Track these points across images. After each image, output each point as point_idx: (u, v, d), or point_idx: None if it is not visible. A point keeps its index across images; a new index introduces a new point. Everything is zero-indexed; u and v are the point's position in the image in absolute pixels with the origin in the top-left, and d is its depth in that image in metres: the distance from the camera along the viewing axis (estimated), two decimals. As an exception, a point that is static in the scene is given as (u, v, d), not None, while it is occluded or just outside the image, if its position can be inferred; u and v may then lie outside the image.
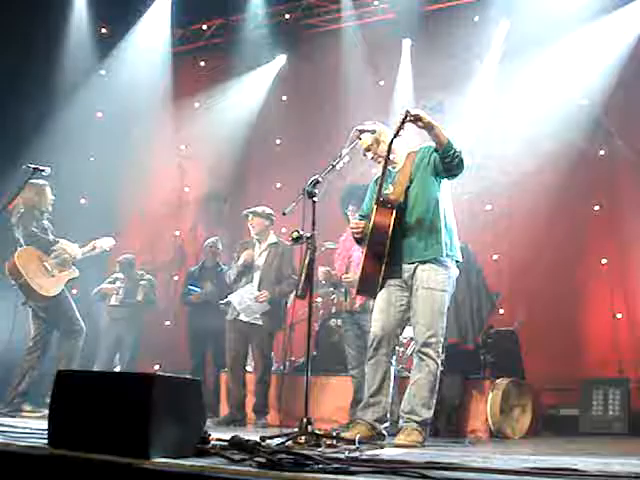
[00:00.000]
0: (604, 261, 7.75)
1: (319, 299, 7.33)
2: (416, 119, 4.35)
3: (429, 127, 4.39)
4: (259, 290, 6.55)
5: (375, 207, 4.45)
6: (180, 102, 9.90)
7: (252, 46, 9.66)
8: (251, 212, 6.77)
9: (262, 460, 2.68)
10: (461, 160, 4.45)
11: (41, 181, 6.39)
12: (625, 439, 6.26)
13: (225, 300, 6.79)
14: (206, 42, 10.21)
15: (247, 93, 9.85)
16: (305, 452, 2.98)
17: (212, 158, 9.75)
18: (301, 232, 4.16)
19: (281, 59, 9.93)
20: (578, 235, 7.80)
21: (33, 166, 5.58)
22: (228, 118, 9.64)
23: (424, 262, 4.50)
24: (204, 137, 9.72)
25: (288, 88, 9.84)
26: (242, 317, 6.55)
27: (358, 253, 5.67)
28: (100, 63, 9.72)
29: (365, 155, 4.76)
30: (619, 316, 7.62)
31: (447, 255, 4.52)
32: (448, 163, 4.46)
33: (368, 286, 4.56)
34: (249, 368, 6.84)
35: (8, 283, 6.44)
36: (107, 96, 9.43)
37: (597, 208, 7.86)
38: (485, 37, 8.41)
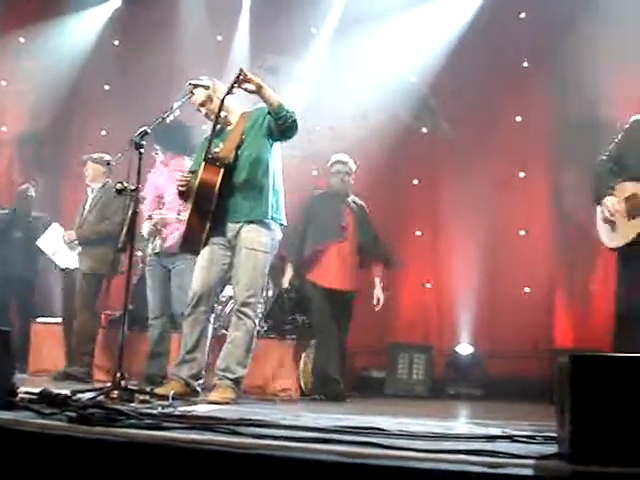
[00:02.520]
0: (418, 233, 8.17)
1: (139, 252, 7.17)
2: (246, 81, 4.35)
3: (258, 89, 4.39)
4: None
5: (203, 164, 4.42)
6: (4, 35, 9.23)
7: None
8: (88, 158, 6.50)
9: (72, 414, 2.62)
10: (294, 121, 4.50)
11: None
12: (426, 402, 6.65)
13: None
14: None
15: (77, 33, 9.34)
16: (118, 407, 2.95)
17: (34, 97, 9.21)
18: (125, 184, 4.06)
19: (116, 1, 9.49)
20: (397, 207, 8.12)
21: None
22: (55, 57, 9.10)
23: (249, 222, 4.53)
24: (28, 75, 9.15)
25: (121, 33, 9.45)
26: (61, 264, 6.24)
27: (171, 194, 5.53)
28: None
29: (199, 110, 4.71)
30: (428, 286, 8.08)
31: (272, 217, 4.58)
32: (281, 125, 4.49)
33: (192, 243, 4.55)
34: None
35: None
36: None
37: (416, 182, 8.26)
38: (324, 5, 8.48)
